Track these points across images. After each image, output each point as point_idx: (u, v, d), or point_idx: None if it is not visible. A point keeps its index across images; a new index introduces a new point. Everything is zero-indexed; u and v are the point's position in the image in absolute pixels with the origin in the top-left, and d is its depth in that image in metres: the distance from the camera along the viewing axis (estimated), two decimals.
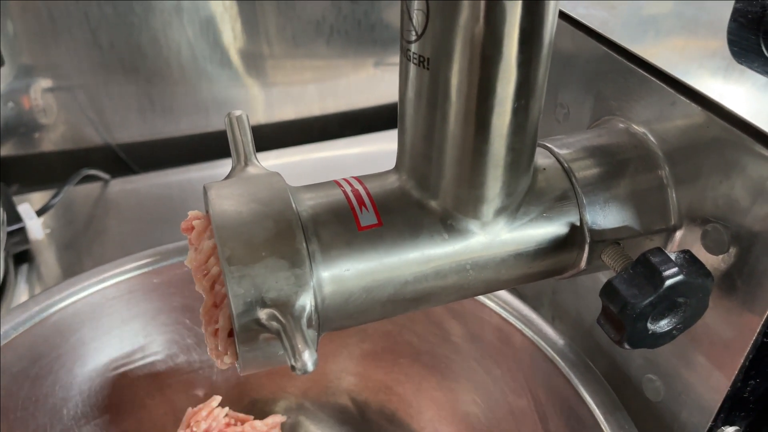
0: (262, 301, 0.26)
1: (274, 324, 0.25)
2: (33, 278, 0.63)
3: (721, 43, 0.36)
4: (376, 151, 0.83)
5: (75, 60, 0.75)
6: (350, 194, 0.29)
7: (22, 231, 0.64)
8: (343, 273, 0.28)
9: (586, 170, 0.32)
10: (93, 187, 0.76)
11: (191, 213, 0.31)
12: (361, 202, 0.29)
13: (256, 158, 0.31)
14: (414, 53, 0.26)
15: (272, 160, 0.80)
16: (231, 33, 0.79)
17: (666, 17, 0.40)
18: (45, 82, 0.77)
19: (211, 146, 0.84)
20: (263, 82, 0.84)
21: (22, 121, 0.78)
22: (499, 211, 0.30)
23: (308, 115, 0.88)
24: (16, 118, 0.78)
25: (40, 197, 0.72)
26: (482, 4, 0.24)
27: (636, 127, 0.34)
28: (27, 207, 0.66)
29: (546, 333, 0.41)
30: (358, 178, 0.30)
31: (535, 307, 0.43)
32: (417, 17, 0.26)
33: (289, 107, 0.87)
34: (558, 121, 0.41)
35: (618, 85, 0.35)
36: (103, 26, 0.73)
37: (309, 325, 0.27)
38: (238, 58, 0.81)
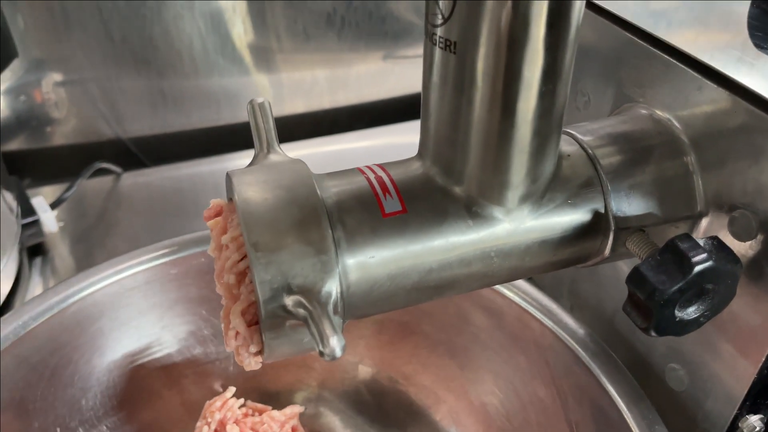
0: (288, 287, 0.26)
1: (301, 311, 0.25)
2: (47, 271, 0.63)
3: (733, 35, 0.36)
4: (387, 144, 0.83)
5: (87, 53, 0.75)
6: (374, 181, 0.29)
7: (35, 224, 0.64)
8: (368, 260, 0.28)
9: (610, 157, 0.32)
10: (105, 181, 0.76)
11: (213, 201, 0.31)
12: (385, 189, 0.29)
13: (278, 145, 0.31)
14: (440, 37, 0.26)
15: None
16: (242, 26, 0.78)
17: (677, 10, 0.39)
18: (56, 76, 0.77)
19: (222, 139, 0.83)
20: (273, 75, 0.83)
21: (34, 115, 0.78)
22: (524, 198, 0.29)
23: (318, 108, 0.88)
24: (28, 111, 0.78)
25: (52, 191, 0.72)
26: None
27: (660, 113, 0.34)
28: (41, 200, 0.66)
29: (566, 322, 0.40)
30: (381, 166, 0.30)
31: (554, 296, 0.42)
32: (443, 0, 0.25)
33: (300, 100, 0.86)
34: (578, 109, 0.40)
35: (641, 71, 0.35)
36: (115, 19, 0.73)
37: (334, 312, 0.27)
38: (248, 51, 0.80)
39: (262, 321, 0.26)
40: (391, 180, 0.29)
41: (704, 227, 0.32)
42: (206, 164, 0.80)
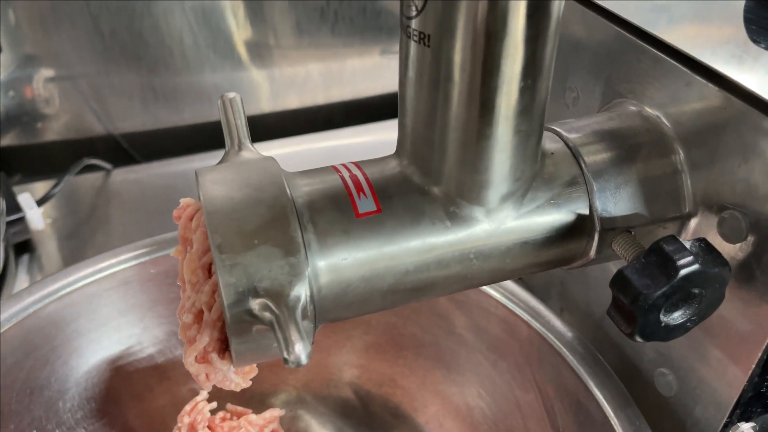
0: (254, 290, 0.25)
1: (267, 315, 0.24)
2: (34, 268, 0.62)
3: (735, 30, 0.35)
4: (382, 140, 0.82)
5: (76, 49, 0.74)
6: (348, 180, 0.28)
7: (22, 221, 0.63)
8: (340, 262, 0.27)
9: (596, 155, 0.31)
10: (95, 177, 0.75)
11: (183, 200, 0.30)
12: (359, 188, 0.28)
13: (250, 142, 0.30)
14: (414, 30, 0.25)
15: (276, 150, 0.79)
16: (233, 20, 0.77)
17: (678, 4, 0.38)
18: (47, 72, 0.76)
19: (214, 136, 0.82)
20: (267, 70, 0.82)
21: (25, 111, 0.77)
22: (505, 198, 0.28)
23: (313, 103, 0.87)
24: (18, 107, 0.77)
25: (42, 187, 0.72)
26: None
27: (649, 110, 0.32)
28: (27, 197, 0.65)
29: (554, 325, 0.39)
30: (357, 164, 0.29)
31: (543, 298, 0.41)
32: None
33: (294, 96, 0.85)
34: (567, 106, 0.39)
35: (630, 67, 0.34)
36: (104, 14, 0.72)
37: (304, 316, 0.26)
38: (241, 45, 0.79)
39: (228, 326, 0.25)
40: (366, 179, 0.28)
41: (693, 228, 0.31)
42: (198, 160, 0.79)
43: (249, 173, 0.27)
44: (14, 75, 0.75)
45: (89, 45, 0.74)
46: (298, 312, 0.25)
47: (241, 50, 0.79)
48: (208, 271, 0.27)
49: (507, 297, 0.41)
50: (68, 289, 0.41)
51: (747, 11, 0.36)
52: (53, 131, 0.79)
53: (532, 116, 0.27)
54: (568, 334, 0.39)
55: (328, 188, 0.28)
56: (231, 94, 0.30)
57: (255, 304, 0.24)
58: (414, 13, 0.25)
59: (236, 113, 0.30)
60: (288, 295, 0.25)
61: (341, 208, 0.27)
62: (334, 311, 0.27)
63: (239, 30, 0.78)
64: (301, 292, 0.25)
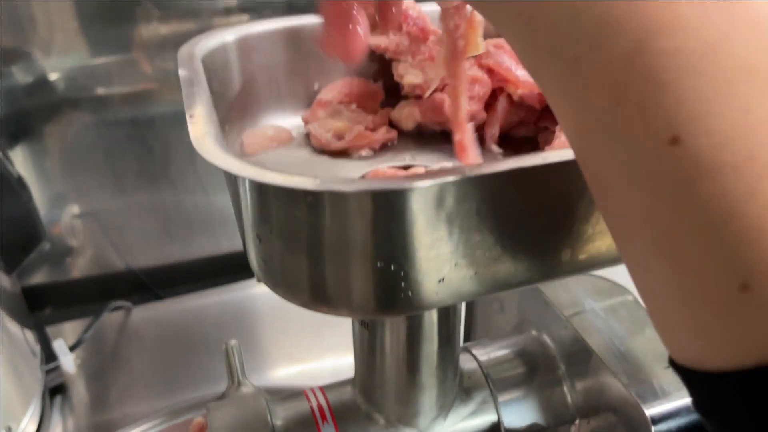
0: None
1: None
2: (66, 410, 0.72)
3: None
4: None
5: (96, 186, 0.83)
6: (315, 410, 0.38)
7: (57, 367, 0.73)
8: None
9: (502, 374, 0.41)
10: (117, 316, 0.85)
11: (196, 420, 0.40)
12: (323, 418, 0.38)
13: (246, 378, 0.40)
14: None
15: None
16: None
17: None
18: (72, 209, 0.85)
19: (226, 265, 0.92)
20: None
21: (56, 248, 0.88)
22: (433, 419, 0.39)
23: None
24: (49, 245, 0.87)
25: (71, 327, 0.82)
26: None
27: (545, 338, 0.43)
28: (61, 343, 0.76)
29: None
30: (323, 390, 0.40)
31: None
32: None
33: None
34: (495, 311, 0.50)
35: (531, 301, 0.44)
36: (118, 154, 0.81)
37: None
38: None
39: None
40: (329, 406, 0.39)
41: (578, 430, 0.41)
42: (209, 296, 0.89)
43: (244, 413, 0.38)
44: (46, 218, 0.85)
45: (110, 183, 0.83)
46: None
47: None
48: None
49: None
50: None
51: None
52: (79, 268, 0.89)
53: (448, 368, 0.37)
54: None
55: (300, 416, 0.38)
56: (232, 342, 0.41)
57: None
58: None
59: (237, 357, 0.41)
60: None
61: None
62: None
63: None
64: None
